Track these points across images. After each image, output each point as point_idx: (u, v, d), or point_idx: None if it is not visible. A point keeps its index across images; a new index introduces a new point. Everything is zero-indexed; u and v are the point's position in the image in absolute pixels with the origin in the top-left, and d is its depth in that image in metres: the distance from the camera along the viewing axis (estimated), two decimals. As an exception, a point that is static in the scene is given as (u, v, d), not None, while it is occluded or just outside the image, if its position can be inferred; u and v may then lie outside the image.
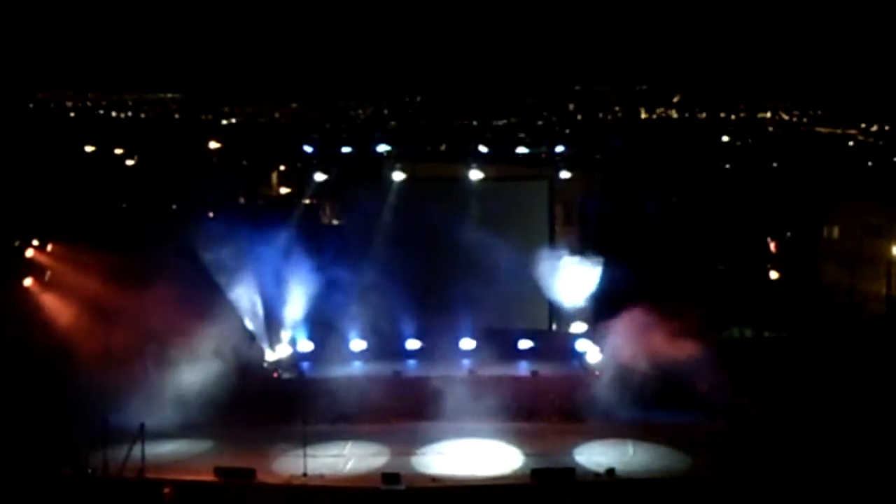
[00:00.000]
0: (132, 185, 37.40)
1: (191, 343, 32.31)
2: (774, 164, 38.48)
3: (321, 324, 36.24)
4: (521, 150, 37.21)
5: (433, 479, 27.44)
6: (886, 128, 42.26)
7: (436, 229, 36.11)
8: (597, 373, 33.20)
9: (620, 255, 36.18)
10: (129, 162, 37.21)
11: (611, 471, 27.39)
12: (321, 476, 27.59)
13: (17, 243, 34.56)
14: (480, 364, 34.98)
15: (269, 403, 32.74)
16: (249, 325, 34.78)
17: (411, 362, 36.51)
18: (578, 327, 35.50)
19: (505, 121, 39.37)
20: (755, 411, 31.64)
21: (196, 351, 32.25)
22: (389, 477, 26.83)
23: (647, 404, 31.90)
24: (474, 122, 37.61)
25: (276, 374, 34.79)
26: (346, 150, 37.16)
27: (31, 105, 41.14)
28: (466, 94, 40.78)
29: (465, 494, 26.67)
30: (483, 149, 37.08)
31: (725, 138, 38.05)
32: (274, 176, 40.74)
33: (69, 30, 36.86)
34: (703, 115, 40.56)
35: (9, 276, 33.61)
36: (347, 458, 29.42)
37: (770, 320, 35.89)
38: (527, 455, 29.34)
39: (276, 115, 39.35)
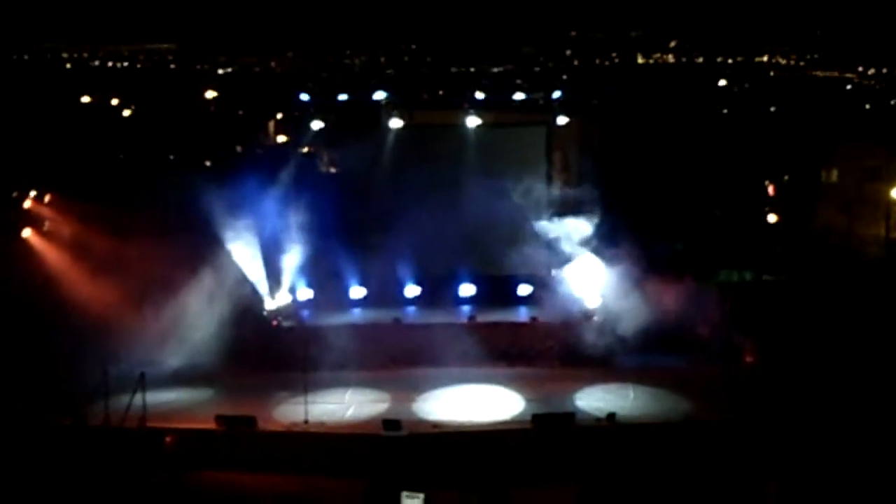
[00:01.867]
0: (129, 135, 37.01)
1: (190, 293, 32.07)
2: (772, 109, 38.09)
3: (320, 271, 36.02)
4: (519, 96, 36.91)
5: (434, 425, 27.31)
6: (884, 70, 41.80)
7: (434, 176, 35.80)
8: (595, 318, 32.89)
9: (618, 200, 35.93)
10: (126, 112, 36.77)
11: (611, 415, 27.18)
12: (322, 423, 27.45)
13: (15, 194, 34.20)
14: (480, 310, 34.80)
15: (270, 351, 32.65)
16: (248, 273, 34.42)
17: (411, 309, 36.38)
18: (577, 272, 35.12)
19: (502, 67, 38.90)
20: (755, 355, 31.51)
21: (195, 300, 31.99)
22: (390, 423, 26.66)
23: (647, 349, 31.73)
24: (471, 69, 37.18)
25: (275, 323, 34.59)
26: (342, 97, 36.75)
27: (27, 56, 40.68)
28: (463, 40, 40.31)
29: (467, 440, 26.51)
30: (480, 95, 36.69)
31: (723, 83, 37.69)
32: (271, 125, 40.38)
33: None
34: (700, 59, 40.16)
35: (7, 228, 33.29)
36: (348, 405, 29.25)
37: (769, 264, 35.68)
38: (527, 400, 29.22)
39: (272, 63, 38.87)
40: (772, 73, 39.12)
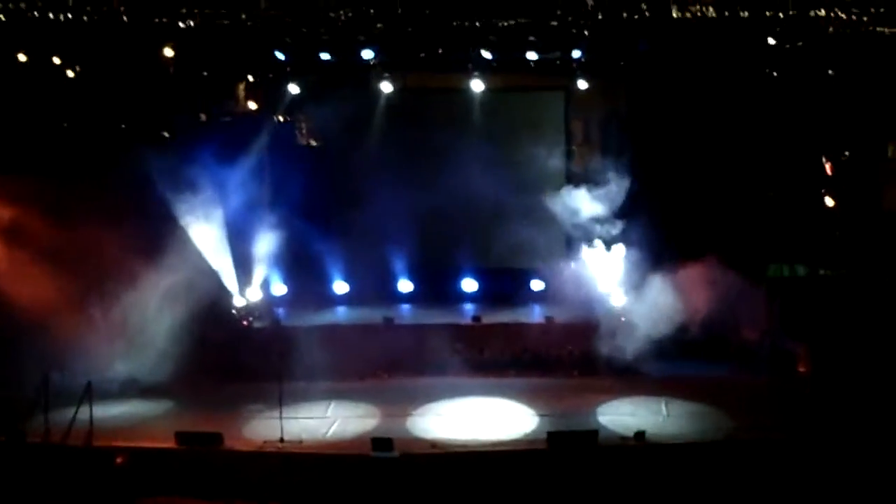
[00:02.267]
0: (74, 100, 36.86)
1: (146, 287, 32.06)
2: (830, 72, 37.88)
3: (298, 263, 36.04)
4: (532, 55, 36.66)
5: (432, 444, 27.21)
6: (963, 27, 41.65)
7: (431, 150, 35.92)
8: (622, 318, 32.90)
9: (649, 178, 35.91)
10: (70, 73, 36.55)
11: (640, 434, 27.14)
12: (300, 442, 27.34)
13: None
14: (485, 309, 34.83)
15: (239, 357, 32.66)
16: (214, 264, 34.44)
17: (404, 307, 36.52)
18: (600, 265, 35.12)
19: (512, 21, 38.70)
20: (809, 363, 31.52)
21: (152, 297, 32.00)
22: (380, 442, 26.61)
23: (683, 356, 31.80)
24: (476, 23, 36.93)
25: (246, 323, 34.65)
26: (324, 57, 36.62)
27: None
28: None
29: (469, 462, 26.40)
30: (487, 55, 36.53)
31: (772, 41, 37.35)
32: (240, 88, 40.24)
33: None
34: (746, 13, 39.86)
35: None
36: (331, 421, 29.22)
37: (826, 255, 35.65)
38: (541, 416, 29.17)
39: (242, 16, 38.67)
40: (830, 30, 38.85)
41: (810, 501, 24.36)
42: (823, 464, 25.53)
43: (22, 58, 34.93)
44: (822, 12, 38.84)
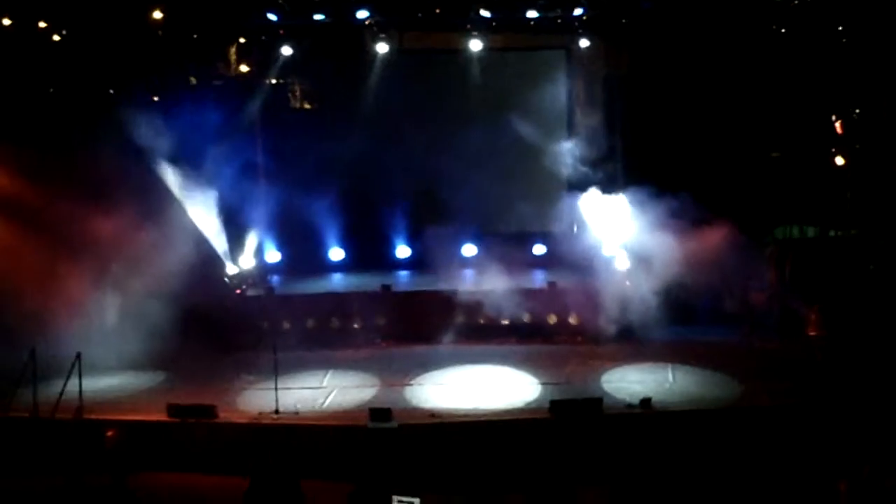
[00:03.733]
0: (60, 65, 36.57)
1: (135, 255, 31.86)
2: (839, 27, 37.53)
3: (292, 229, 35.89)
4: (532, 13, 36.31)
5: (431, 414, 27.00)
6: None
7: (429, 113, 35.80)
8: (627, 283, 32.70)
9: (653, 139, 35.73)
10: (56, 38, 36.22)
11: (646, 401, 26.89)
12: (296, 413, 27.10)
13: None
14: (486, 275, 34.59)
15: (232, 326, 32.44)
16: (206, 231, 34.21)
17: (402, 274, 36.40)
18: (603, 228, 34.92)
19: (512, -22, 38.37)
20: (819, 327, 31.36)
21: (142, 264, 31.78)
22: (378, 413, 26.38)
23: (689, 320, 31.66)
24: (475, -20, 36.62)
25: (239, 291, 34.46)
26: (318, 17, 36.30)
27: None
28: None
29: (470, 432, 26.19)
30: (485, 13, 36.16)
31: (779, -5, 37.03)
32: (231, 51, 39.96)
33: None
34: (752, -32, 39.50)
35: None
36: (327, 392, 28.96)
37: (836, 216, 35.47)
38: (544, 384, 28.96)
39: (233, -24, 38.35)
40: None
41: (821, 467, 24.10)
42: (835, 429, 25.33)
43: (6, 22, 34.50)
44: (831, -35, 38.46)
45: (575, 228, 35.76)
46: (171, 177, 33.30)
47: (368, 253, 36.55)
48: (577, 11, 36.16)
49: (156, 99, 37.04)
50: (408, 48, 37.66)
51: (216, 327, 32.26)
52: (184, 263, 32.06)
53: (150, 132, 32.77)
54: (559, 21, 36.68)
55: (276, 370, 27.69)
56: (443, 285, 33.80)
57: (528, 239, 36.55)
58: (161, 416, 26.71)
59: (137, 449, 25.55)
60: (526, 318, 33.00)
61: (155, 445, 26.07)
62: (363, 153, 35.68)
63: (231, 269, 34.88)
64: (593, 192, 34.44)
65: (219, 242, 34.60)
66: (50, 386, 27.20)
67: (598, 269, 33.27)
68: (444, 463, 25.31)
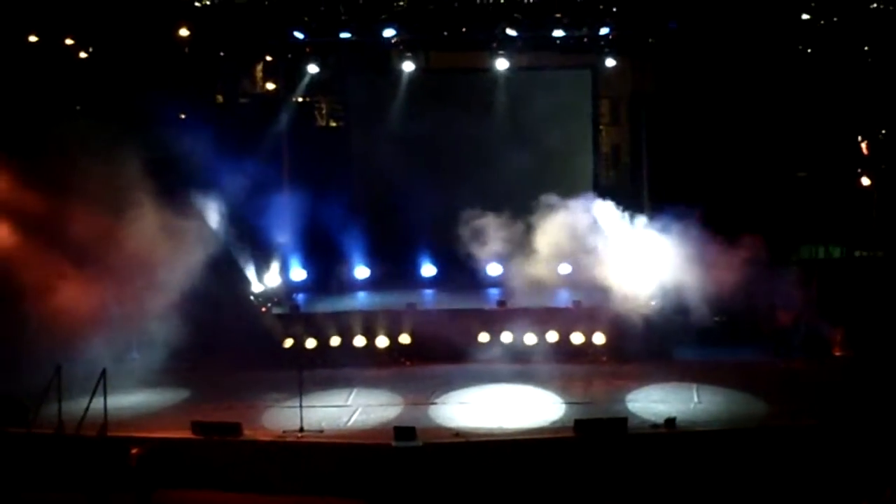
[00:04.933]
0: (87, 82, 36.77)
1: (162, 273, 31.89)
2: (866, 48, 37.52)
3: (318, 247, 35.93)
4: (558, 32, 36.37)
5: (456, 433, 26.93)
6: None
7: (455, 131, 35.84)
8: (652, 302, 32.65)
9: (679, 158, 35.70)
10: (83, 55, 36.44)
11: (671, 421, 26.83)
12: (321, 431, 27.10)
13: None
14: (511, 294, 34.60)
15: (257, 344, 32.52)
16: (232, 249, 34.30)
17: (427, 293, 36.32)
18: (628, 246, 34.86)
19: (538, -3, 38.43)
20: (845, 347, 31.28)
21: (168, 282, 31.83)
22: (403, 431, 26.39)
23: (715, 340, 31.59)
24: (501, 0, 36.68)
25: (264, 309, 34.49)
26: (345, 35, 36.42)
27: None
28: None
29: (494, 451, 26.16)
30: (512, 32, 36.25)
31: (806, 16, 36.99)
32: (258, 69, 40.20)
33: None
34: (778, -12, 39.48)
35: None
36: (352, 410, 29.01)
37: (861, 237, 35.37)
38: (569, 403, 28.94)
39: (260, -6, 38.49)
40: (865, 4, 38.41)
41: (845, 489, 24.05)
42: (859, 450, 25.24)
43: (33, 38, 34.71)
44: (858, -14, 38.42)
45: (601, 246, 35.72)
46: (196, 194, 33.33)
47: (394, 271, 36.56)
48: (604, 31, 36.19)
49: (182, 116, 37.16)
50: (434, 67, 37.83)
51: (241, 345, 32.31)
52: (210, 281, 32.21)
53: (177, 149, 32.85)
54: (585, 40, 36.72)
55: (301, 388, 27.81)
56: (467, 304, 33.81)
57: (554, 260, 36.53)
58: (186, 434, 26.75)
59: (162, 466, 25.65)
60: (551, 337, 32.89)
61: (179, 463, 26.10)
62: (388, 172, 35.75)
63: (256, 288, 34.96)
64: (618, 211, 34.34)
65: (244, 260, 34.66)
66: (75, 402, 27.28)
67: (623, 289, 33.19)
68: (468, 482, 25.33)
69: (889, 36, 36.54)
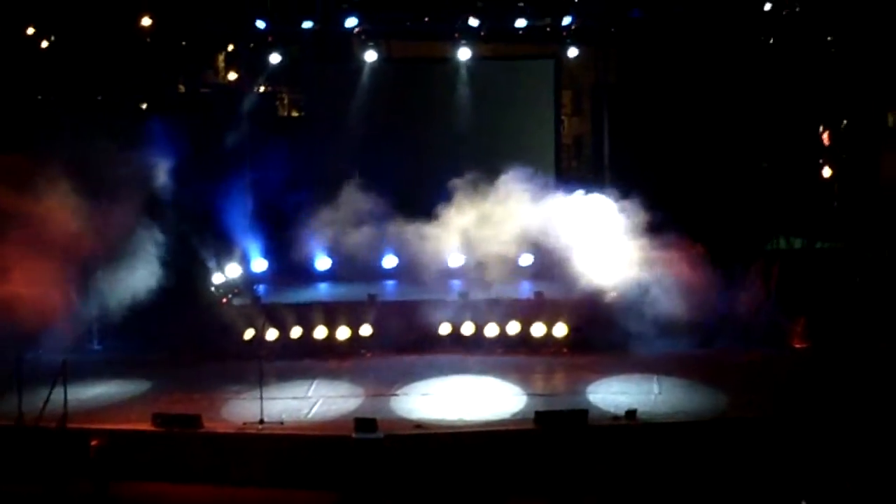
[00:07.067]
0: (48, 72, 36.60)
1: (122, 263, 31.83)
2: (828, 38, 37.69)
3: (279, 238, 35.85)
4: (521, 22, 36.45)
5: (417, 425, 26.93)
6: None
7: (417, 121, 35.87)
8: (613, 294, 32.73)
9: (641, 149, 35.78)
10: (44, 44, 36.26)
11: (631, 412, 26.90)
12: (281, 423, 27.01)
13: None
14: (473, 285, 34.62)
15: (218, 336, 32.43)
16: (192, 239, 34.21)
17: (389, 283, 36.26)
18: (590, 238, 34.93)
19: (501, -14, 38.46)
20: (805, 339, 31.45)
21: (128, 272, 31.78)
22: (364, 423, 26.32)
23: (675, 332, 31.66)
24: (463, -11, 36.74)
25: (224, 300, 34.42)
26: (307, 25, 36.38)
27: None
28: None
29: (456, 443, 26.12)
30: (474, 22, 36.31)
31: (768, 6, 37.13)
32: (220, 58, 40.11)
33: None
34: (741, -22, 39.62)
35: None
36: (312, 401, 28.90)
37: (822, 228, 35.53)
38: (530, 395, 28.93)
39: (222, -17, 38.40)
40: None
41: (806, 479, 24.21)
42: (819, 441, 25.40)
43: (-6, 28, 34.56)
44: (820, -24, 38.57)
45: (563, 239, 35.75)
46: (157, 184, 33.22)
47: (355, 262, 36.48)
48: (566, 21, 36.32)
49: (144, 106, 37.05)
50: (396, 56, 37.91)
51: (202, 336, 32.27)
52: (171, 272, 32.16)
53: (138, 139, 32.75)
54: (548, 30, 36.86)
55: (262, 380, 27.75)
56: (429, 295, 33.81)
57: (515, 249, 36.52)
58: (146, 425, 26.64)
59: (121, 458, 25.56)
60: (512, 328, 32.93)
61: (140, 454, 26.03)
62: (351, 161, 35.73)
63: (217, 279, 34.85)
64: (580, 202, 34.37)
65: (205, 250, 34.57)
66: (35, 394, 27.18)
67: (585, 280, 33.24)
68: (429, 473, 25.36)
69: (851, 26, 36.69)
